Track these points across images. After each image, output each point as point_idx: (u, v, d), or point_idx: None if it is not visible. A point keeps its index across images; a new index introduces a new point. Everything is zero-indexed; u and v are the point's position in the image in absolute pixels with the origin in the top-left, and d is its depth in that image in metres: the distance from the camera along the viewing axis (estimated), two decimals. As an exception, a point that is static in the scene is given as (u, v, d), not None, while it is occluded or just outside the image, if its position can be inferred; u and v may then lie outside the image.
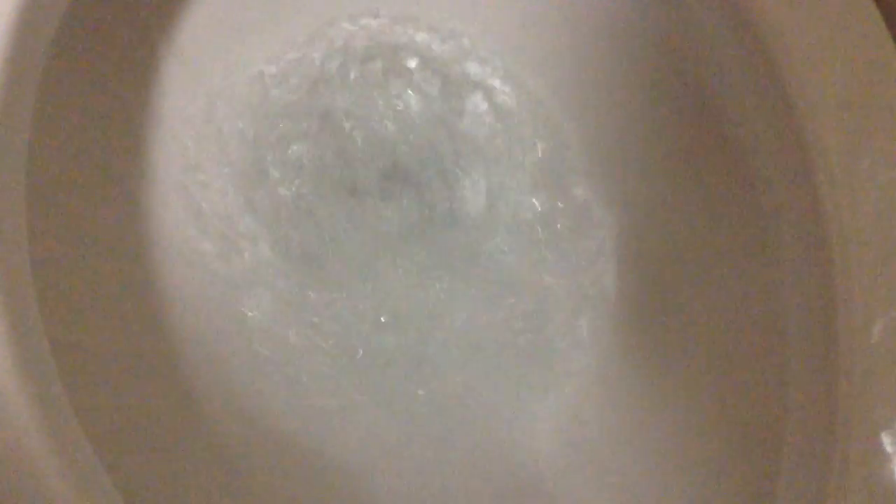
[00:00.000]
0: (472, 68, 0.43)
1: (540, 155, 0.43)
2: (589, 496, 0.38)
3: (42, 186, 0.30)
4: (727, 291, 0.37)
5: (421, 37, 0.43)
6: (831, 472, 0.29)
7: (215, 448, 0.35)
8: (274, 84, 0.41)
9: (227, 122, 0.39)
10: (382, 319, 0.40)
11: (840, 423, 0.30)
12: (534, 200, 0.43)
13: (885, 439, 0.29)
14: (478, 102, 0.43)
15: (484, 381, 0.40)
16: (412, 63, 0.43)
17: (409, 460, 0.39)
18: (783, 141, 0.33)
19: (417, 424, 0.39)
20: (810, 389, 0.32)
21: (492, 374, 0.41)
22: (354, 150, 0.42)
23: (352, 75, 0.42)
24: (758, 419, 0.35)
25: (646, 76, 0.40)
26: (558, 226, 0.43)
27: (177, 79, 0.37)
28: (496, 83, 0.43)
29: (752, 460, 0.34)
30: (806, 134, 0.32)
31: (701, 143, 0.39)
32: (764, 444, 0.33)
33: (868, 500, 0.29)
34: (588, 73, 0.42)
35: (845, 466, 0.29)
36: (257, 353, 0.38)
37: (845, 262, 0.31)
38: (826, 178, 0.31)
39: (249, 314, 0.38)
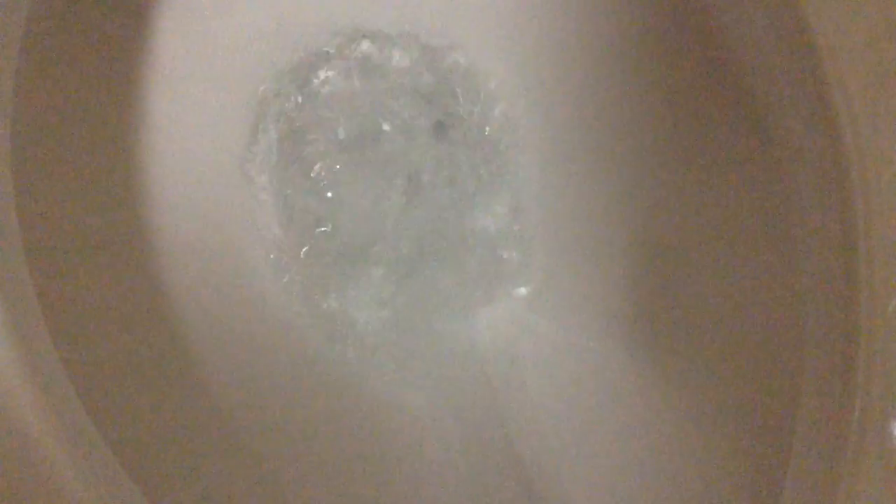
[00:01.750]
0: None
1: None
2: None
3: (28, 135, 0.30)
4: (740, 261, 0.36)
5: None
6: (844, 456, 0.28)
7: (211, 403, 0.35)
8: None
9: (225, 68, 0.38)
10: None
11: (856, 407, 0.29)
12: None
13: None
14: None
15: None
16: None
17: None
18: (803, 87, 0.31)
19: None
20: (826, 367, 0.30)
21: None
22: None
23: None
24: (769, 402, 0.33)
25: (650, 17, 0.38)
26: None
27: (171, 23, 0.36)
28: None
29: (762, 445, 0.33)
30: (828, 79, 0.30)
31: (712, 92, 0.36)
32: (775, 428, 0.32)
33: (882, 485, 0.28)
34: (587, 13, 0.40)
35: (859, 451, 0.28)
36: (255, 303, 0.37)
37: (868, 226, 0.29)
38: (849, 126, 0.29)
39: (249, 260, 0.38)
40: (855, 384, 0.28)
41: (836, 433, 0.29)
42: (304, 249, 0.40)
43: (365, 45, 0.42)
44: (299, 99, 0.41)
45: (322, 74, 0.42)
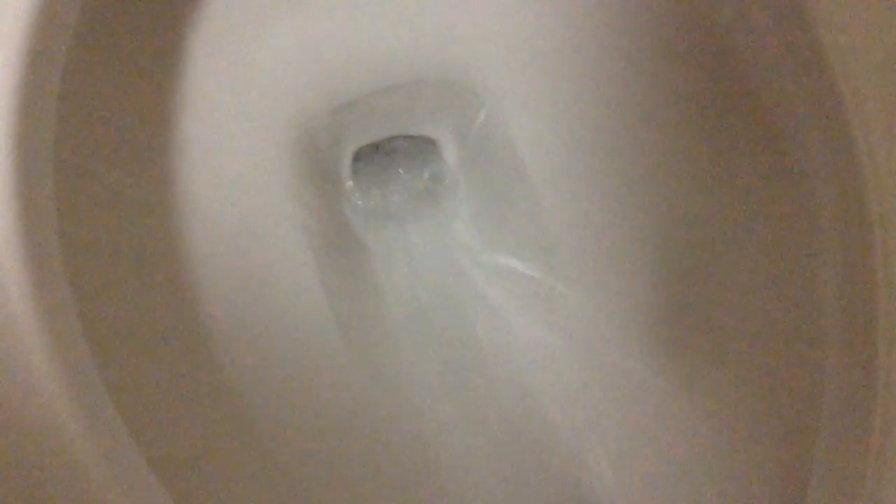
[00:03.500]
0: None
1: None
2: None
3: (70, 156, 0.31)
4: (758, 267, 0.36)
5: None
6: (867, 456, 0.28)
7: (239, 411, 0.35)
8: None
9: (258, 93, 0.39)
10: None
11: (877, 407, 0.29)
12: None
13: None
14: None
15: None
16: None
17: None
18: (815, 96, 0.31)
19: None
20: (847, 369, 0.30)
21: None
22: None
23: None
24: (790, 404, 0.34)
25: (657, 24, 0.38)
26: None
27: (205, 50, 0.37)
28: None
29: (785, 446, 0.33)
30: (841, 89, 0.30)
31: (723, 104, 0.37)
32: (797, 429, 0.32)
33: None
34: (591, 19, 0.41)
35: (882, 452, 0.28)
36: (287, 320, 0.38)
37: (885, 230, 0.29)
38: (861, 134, 0.29)
39: (278, 282, 0.39)
40: (876, 386, 0.28)
41: (859, 434, 0.29)
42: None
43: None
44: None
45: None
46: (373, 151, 0.48)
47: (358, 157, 0.48)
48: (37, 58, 0.28)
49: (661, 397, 0.38)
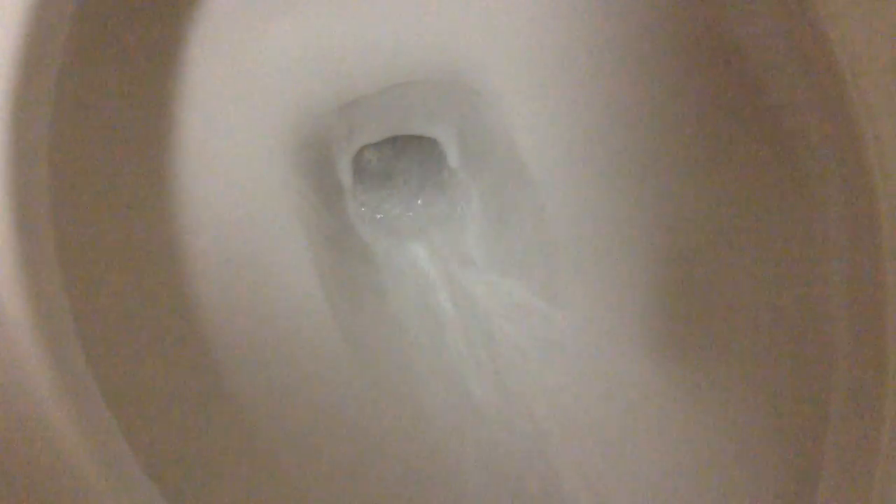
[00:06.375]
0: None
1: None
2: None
3: (65, 151, 0.30)
4: (765, 265, 0.35)
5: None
6: (876, 463, 0.28)
7: (234, 409, 0.35)
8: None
9: (257, 92, 0.39)
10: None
11: (886, 410, 0.28)
12: None
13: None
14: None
15: None
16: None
17: None
18: (819, 87, 0.31)
19: None
20: (856, 370, 0.30)
21: None
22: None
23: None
24: (798, 407, 0.33)
25: (661, 22, 0.38)
26: None
27: (205, 46, 0.37)
28: None
29: (792, 451, 0.33)
30: (848, 86, 0.29)
31: (729, 105, 0.36)
32: (805, 433, 0.32)
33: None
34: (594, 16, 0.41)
35: (891, 456, 0.27)
36: (286, 321, 0.38)
37: (892, 227, 0.29)
38: (869, 127, 0.29)
39: (276, 279, 0.38)
40: (885, 387, 0.28)
41: (868, 439, 0.28)
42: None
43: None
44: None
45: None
46: (375, 150, 0.48)
47: (360, 156, 0.47)
48: (33, 51, 0.28)
49: (666, 403, 0.37)
